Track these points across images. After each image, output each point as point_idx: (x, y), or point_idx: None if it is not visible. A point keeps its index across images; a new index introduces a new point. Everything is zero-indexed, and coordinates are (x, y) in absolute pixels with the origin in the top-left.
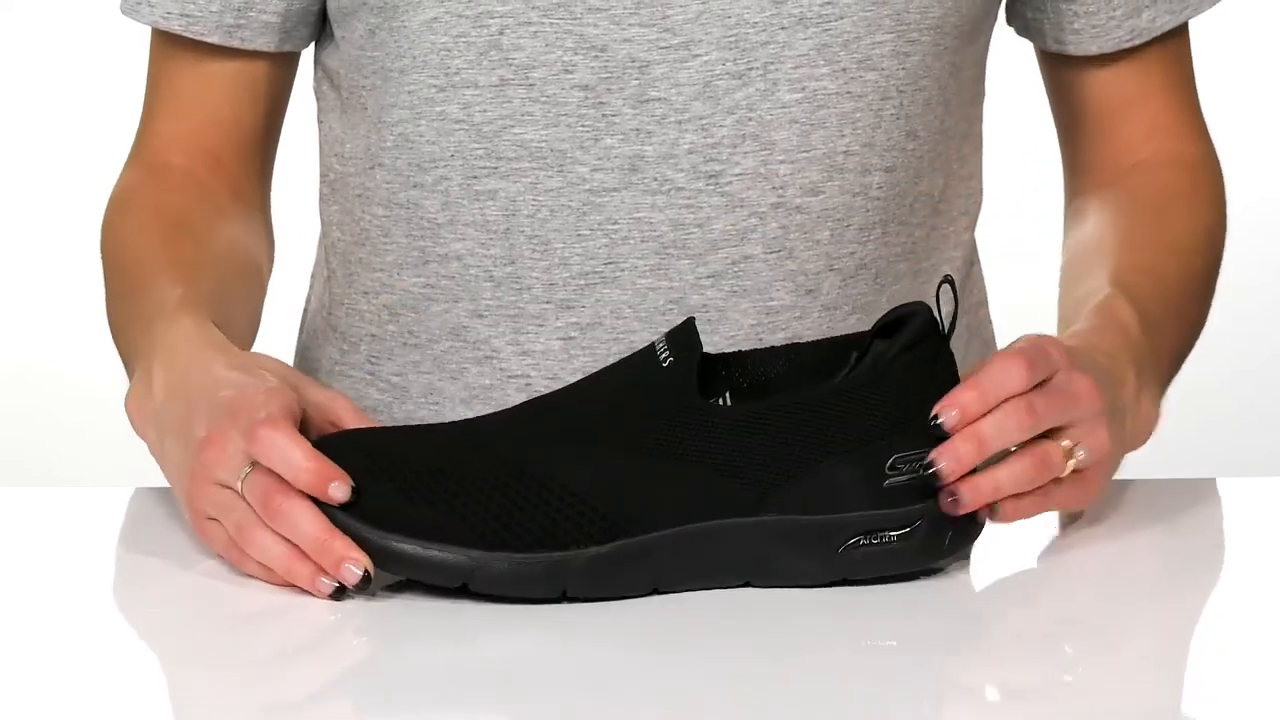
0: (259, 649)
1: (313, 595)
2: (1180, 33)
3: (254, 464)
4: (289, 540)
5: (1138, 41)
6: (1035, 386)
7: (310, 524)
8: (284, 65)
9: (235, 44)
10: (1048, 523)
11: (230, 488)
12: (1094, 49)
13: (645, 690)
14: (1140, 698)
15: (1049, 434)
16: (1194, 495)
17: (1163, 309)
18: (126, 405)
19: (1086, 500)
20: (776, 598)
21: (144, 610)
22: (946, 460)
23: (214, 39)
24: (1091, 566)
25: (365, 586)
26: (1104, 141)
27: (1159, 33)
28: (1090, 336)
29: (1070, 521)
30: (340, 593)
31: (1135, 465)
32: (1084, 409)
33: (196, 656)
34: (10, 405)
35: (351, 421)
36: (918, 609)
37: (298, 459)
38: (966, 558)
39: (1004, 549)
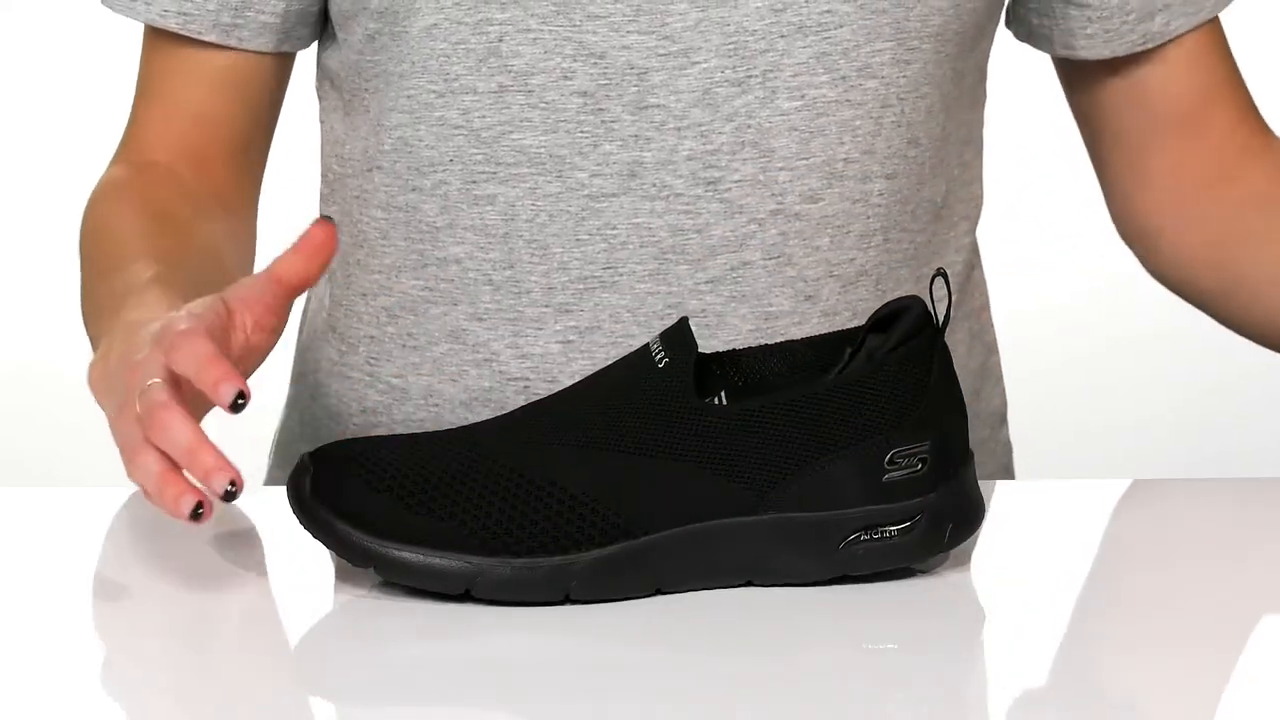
0: (257, 648)
1: (280, 579)
2: (1215, 22)
3: (151, 384)
4: (167, 459)
5: (1150, 46)
6: None
7: (183, 433)
8: (279, 66)
9: (232, 44)
10: (1047, 522)
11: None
12: (1106, 53)
13: (645, 690)
14: (1142, 697)
15: None
16: (1195, 495)
17: None
18: (88, 378)
19: None
20: (777, 597)
21: (143, 610)
22: None
23: (211, 38)
24: (1092, 566)
25: (231, 500)
26: (1195, 139)
27: (1172, 36)
28: None
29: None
30: (197, 514)
31: (1135, 465)
32: None
33: (196, 656)
34: (10, 405)
35: (283, 269)
36: (918, 609)
37: (204, 354)
38: (966, 557)
39: (1004, 548)
